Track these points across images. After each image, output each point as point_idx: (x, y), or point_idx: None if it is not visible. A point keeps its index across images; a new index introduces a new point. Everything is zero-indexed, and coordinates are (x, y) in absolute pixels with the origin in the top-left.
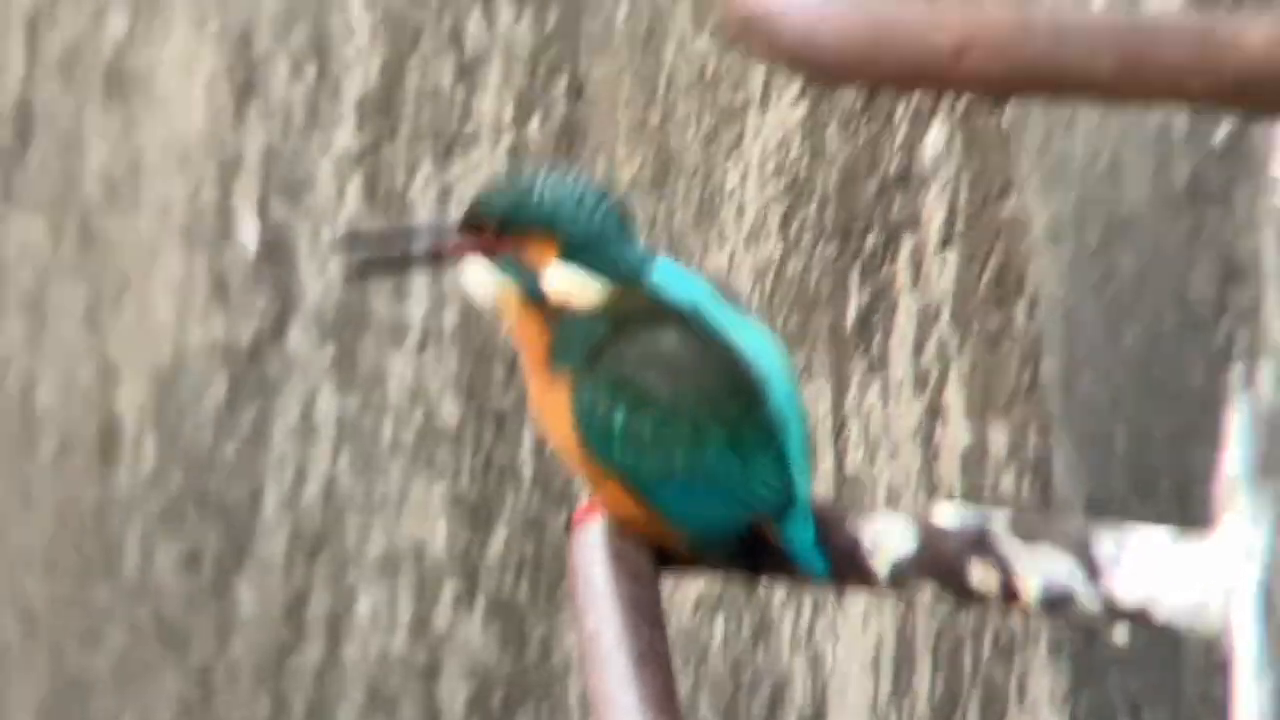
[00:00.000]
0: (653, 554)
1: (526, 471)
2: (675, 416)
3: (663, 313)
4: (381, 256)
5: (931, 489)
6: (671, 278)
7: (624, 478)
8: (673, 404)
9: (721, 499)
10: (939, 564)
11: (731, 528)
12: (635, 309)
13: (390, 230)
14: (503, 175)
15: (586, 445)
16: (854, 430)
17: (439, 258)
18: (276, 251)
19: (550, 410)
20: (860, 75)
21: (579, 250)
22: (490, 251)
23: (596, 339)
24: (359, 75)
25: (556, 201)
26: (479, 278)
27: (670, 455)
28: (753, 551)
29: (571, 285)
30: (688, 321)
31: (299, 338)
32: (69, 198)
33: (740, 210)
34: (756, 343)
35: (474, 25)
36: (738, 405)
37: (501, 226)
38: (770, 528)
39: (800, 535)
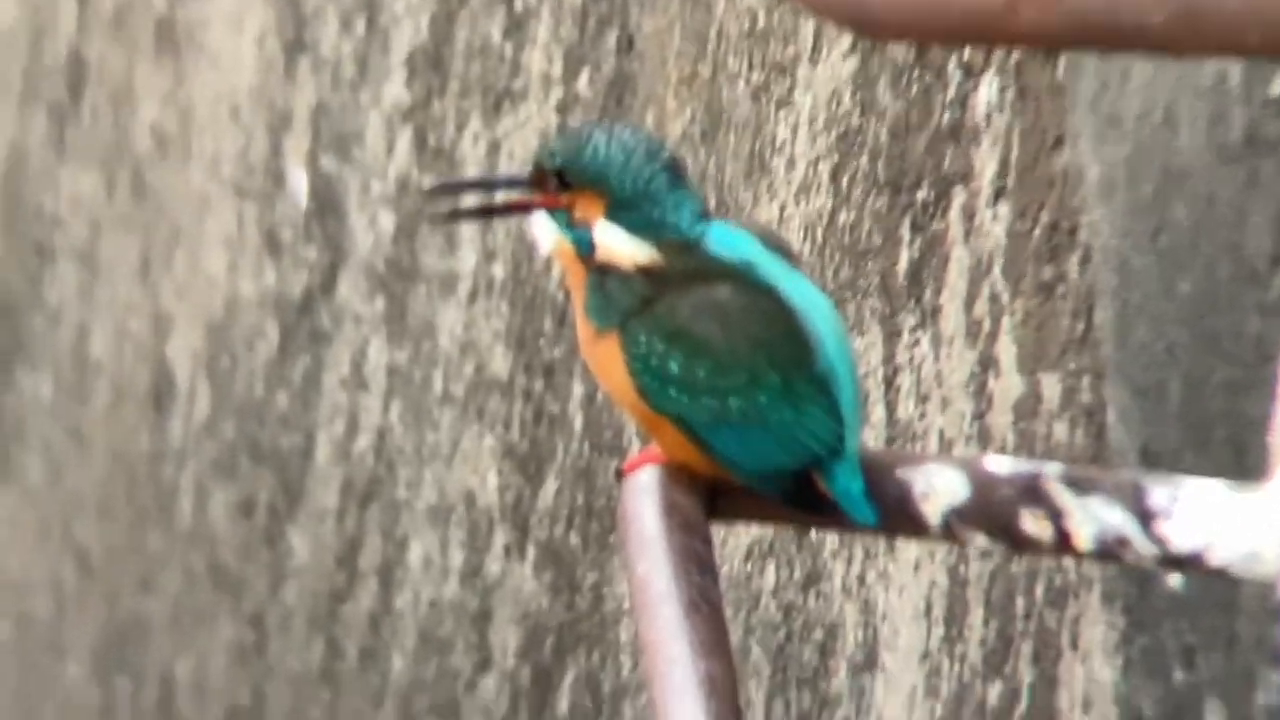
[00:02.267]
0: (704, 501)
1: (576, 422)
2: (730, 363)
3: (715, 269)
4: (467, 208)
5: (984, 440)
6: (725, 238)
7: (678, 422)
8: (728, 351)
9: (774, 445)
10: (991, 513)
11: (783, 473)
12: (686, 266)
13: (474, 180)
14: (568, 128)
15: (641, 391)
16: (906, 381)
17: (511, 210)
18: (327, 205)
19: (603, 358)
20: (912, 30)
21: (626, 209)
22: (550, 206)
23: (645, 294)
24: (408, 29)
25: (606, 160)
26: (541, 231)
27: (724, 401)
28: (807, 496)
29: (617, 243)
30: (741, 276)
31: (349, 290)
32: (121, 150)
33: (791, 163)
34: (810, 298)
35: None
36: (791, 355)
37: (559, 181)
38: (820, 476)
39: (849, 485)
